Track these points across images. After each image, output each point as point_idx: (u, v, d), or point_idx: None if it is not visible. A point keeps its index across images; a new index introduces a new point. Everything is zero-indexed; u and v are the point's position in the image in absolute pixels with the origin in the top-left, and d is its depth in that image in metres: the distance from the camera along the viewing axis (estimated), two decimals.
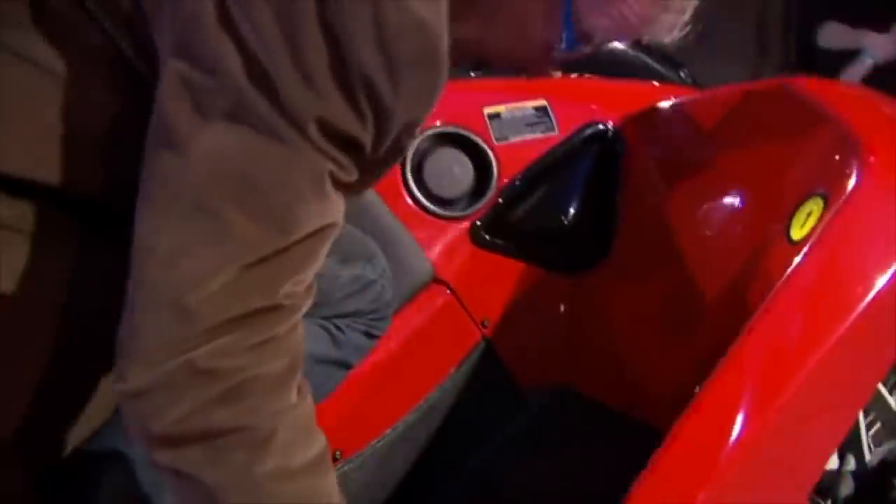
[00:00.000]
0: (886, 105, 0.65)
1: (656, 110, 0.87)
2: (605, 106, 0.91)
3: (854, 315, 0.49)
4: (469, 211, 0.85)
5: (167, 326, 0.37)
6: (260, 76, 0.35)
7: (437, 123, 0.85)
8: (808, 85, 0.67)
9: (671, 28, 0.51)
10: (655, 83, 0.98)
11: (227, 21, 0.35)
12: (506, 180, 0.86)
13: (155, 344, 0.37)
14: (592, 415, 0.84)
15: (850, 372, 0.51)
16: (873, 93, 0.73)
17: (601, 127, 0.89)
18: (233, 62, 0.35)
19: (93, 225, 0.44)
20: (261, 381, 0.39)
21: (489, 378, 0.86)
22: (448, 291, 0.83)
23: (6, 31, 0.42)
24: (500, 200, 0.86)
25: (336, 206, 0.41)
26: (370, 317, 0.68)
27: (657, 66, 1.04)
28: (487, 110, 0.88)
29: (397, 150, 0.43)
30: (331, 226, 0.41)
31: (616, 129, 0.89)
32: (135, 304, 0.38)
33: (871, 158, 0.55)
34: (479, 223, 0.85)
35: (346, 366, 0.68)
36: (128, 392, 0.38)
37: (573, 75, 0.96)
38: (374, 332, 0.69)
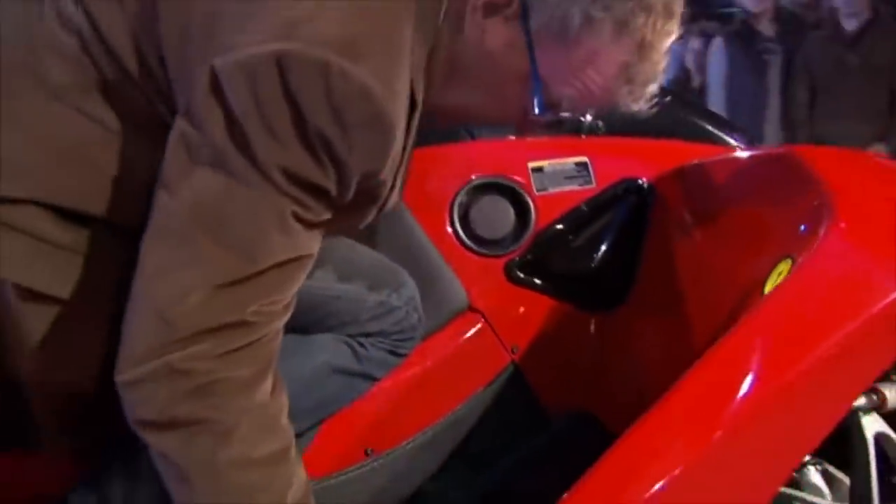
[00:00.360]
0: (876, 172, 0.68)
1: (685, 168, 0.94)
2: (641, 163, 1.00)
3: (800, 365, 0.54)
4: (507, 251, 0.97)
5: (152, 332, 0.46)
6: (237, 133, 0.45)
7: (486, 173, 0.99)
8: (809, 152, 0.72)
9: (636, 99, 0.58)
10: (700, 144, 1.05)
11: (216, 91, 0.45)
12: (542, 226, 0.98)
13: (141, 346, 0.46)
14: (609, 442, 0.89)
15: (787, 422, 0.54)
16: (869, 159, 0.76)
17: (635, 182, 0.98)
18: (216, 121, 0.45)
19: (135, 246, 0.50)
20: (228, 382, 0.47)
21: (515, 398, 0.96)
22: (481, 319, 0.96)
23: (74, 93, 0.52)
24: (535, 243, 0.97)
25: (306, 241, 0.50)
26: (394, 337, 0.77)
27: (713, 128, 1.11)
28: (532, 164, 1.00)
29: (369, 195, 0.54)
30: (303, 257, 0.50)
31: (649, 185, 0.97)
32: (129, 312, 0.48)
33: (841, 225, 0.60)
34: (514, 262, 0.97)
35: (370, 378, 0.77)
36: (121, 383, 0.47)
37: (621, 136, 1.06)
38: (399, 350, 0.78)
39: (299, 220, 0.48)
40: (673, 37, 0.57)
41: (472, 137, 1.01)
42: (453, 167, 1.00)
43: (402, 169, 0.57)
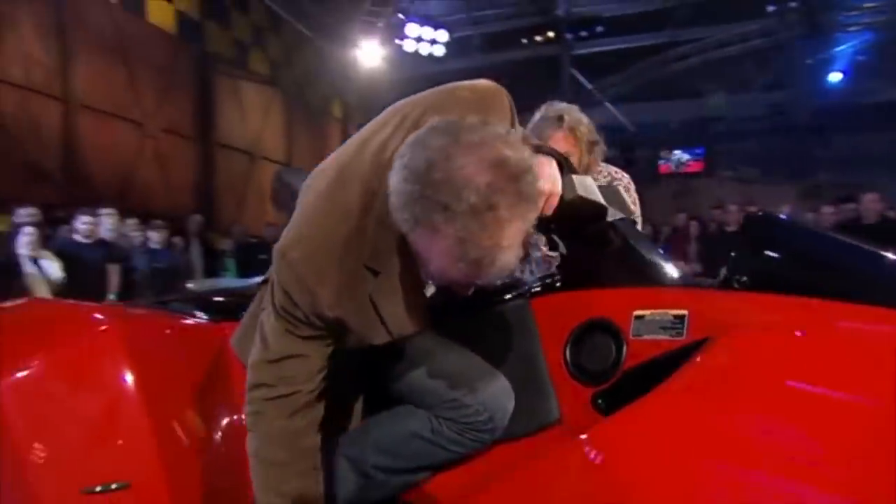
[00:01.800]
0: None
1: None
2: (739, 321, 1.02)
3: None
4: (597, 382, 1.15)
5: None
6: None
7: (596, 315, 1.20)
8: None
9: (474, 276, 0.79)
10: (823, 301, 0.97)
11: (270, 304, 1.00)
12: (628, 367, 1.11)
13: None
14: None
15: None
16: None
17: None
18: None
19: None
20: (265, 415, 0.99)
21: None
22: (566, 431, 1.15)
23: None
24: (619, 381, 1.11)
25: (298, 346, 0.96)
26: (463, 424, 1.06)
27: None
28: (636, 312, 1.15)
29: (334, 323, 0.95)
30: (298, 355, 0.96)
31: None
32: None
33: None
34: (599, 392, 1.14)
35: (443, 448, 1.08)
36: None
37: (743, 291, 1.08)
38: (467, 436, 1.07)
39: (291, 333, 0.97)
40: (507, 225, 0.75)
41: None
42: (581, 304, 1.25)
43: (365, 316, 0.96)
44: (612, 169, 2.12)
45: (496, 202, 0.75)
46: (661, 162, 13.87)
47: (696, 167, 13.77)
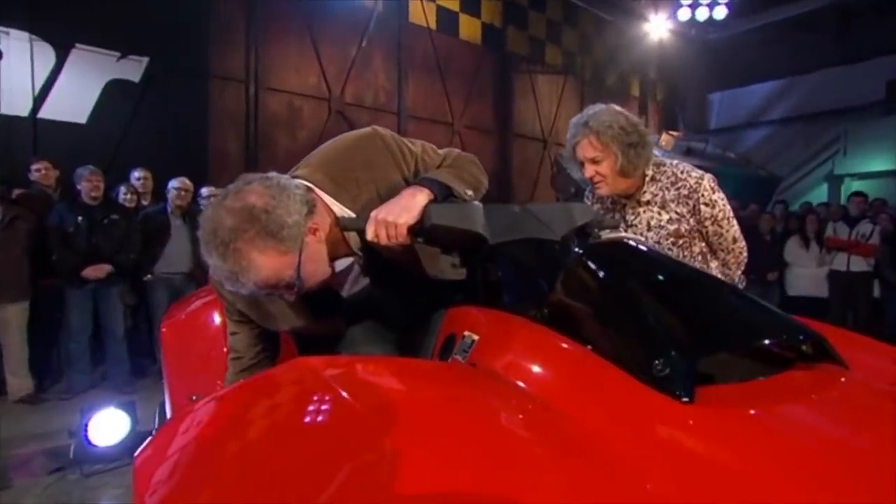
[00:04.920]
0: None
1: None
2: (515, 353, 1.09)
3: None
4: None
5: None
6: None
7: (451, 330, 1.66)
8: None
9: (249, 288, 1.08)
10: None
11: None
12: None
13: None
14: None
15: None
16: None
17: None
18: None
19: None
20: (229, 368, 1.43)
21: None
22: None
23: None
24: None
25: (235, 327, 1.38)
26: None
27: None
28: (465, 332, 1.31)
29: (245, 312, 1.34)
30: (235, 333, 1.39)
31: None
32: None
33: None
34: None
35: None
36: None
37: None
38: None
39: (230, 317, 1.40)
40: (247, 253, 1.04)
41: None
42: (453, 319, 1.31)
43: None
44: (684, 168, 1.88)
45: (235, 238, 1.05)
46: None
47: None
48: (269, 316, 1.35)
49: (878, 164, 10.62)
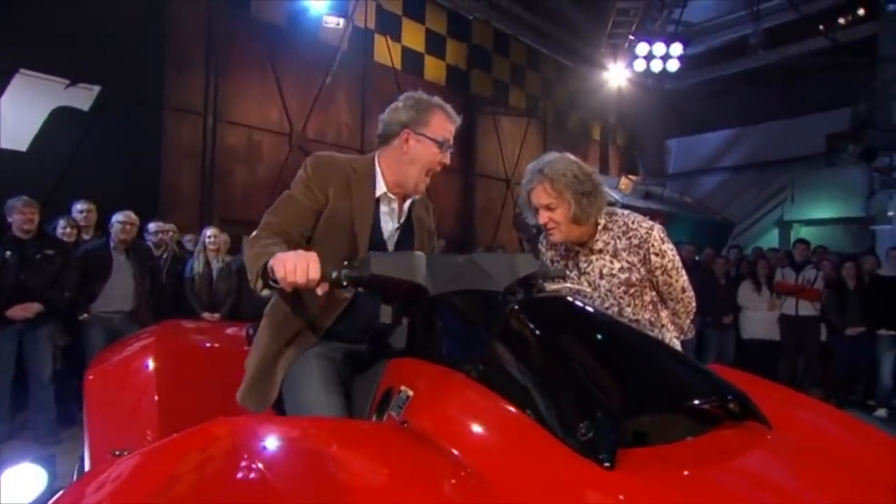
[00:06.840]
0: None
1: None
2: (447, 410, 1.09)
3: None
4: None
5: None
6: None
7: (388, 385, 1.56)
8: None
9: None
10: None
11: None
12: None
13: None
14: None
15: None
16: None
17: None
18: None
19: None
20: (258, 236, 1.47)
21: None
22: None
23: None
24: None
25: (293, 194, 1.56)
26: None
27: None
28: (402, 386, 1.27)
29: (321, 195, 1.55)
30: (290, 198, 1.55)
31: None
32: None
33: None
34: None
35: None
36: None
37: None
38: None
39: (291, 194, 1.57)
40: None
41: None
42: (391, 371, 1.36)
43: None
44: (635, 219, 1.89)
45: None
46: None
47: None
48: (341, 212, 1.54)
49: (822, 212, 11.12)
